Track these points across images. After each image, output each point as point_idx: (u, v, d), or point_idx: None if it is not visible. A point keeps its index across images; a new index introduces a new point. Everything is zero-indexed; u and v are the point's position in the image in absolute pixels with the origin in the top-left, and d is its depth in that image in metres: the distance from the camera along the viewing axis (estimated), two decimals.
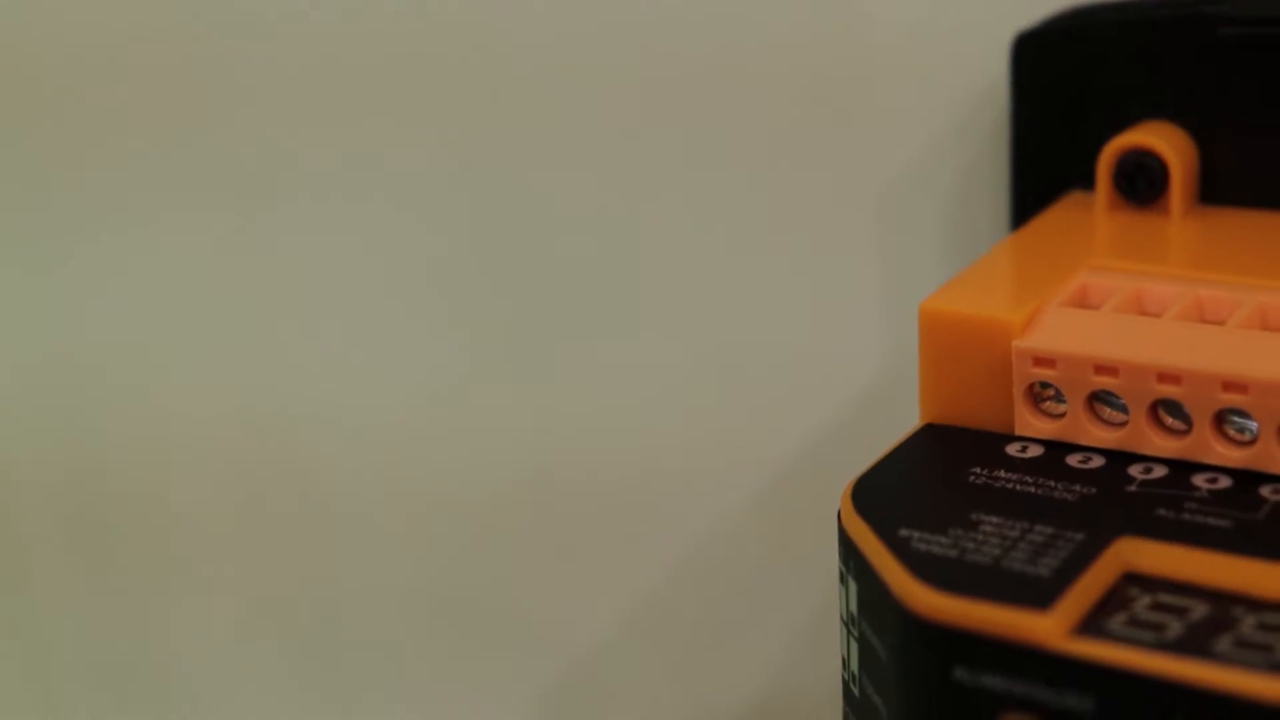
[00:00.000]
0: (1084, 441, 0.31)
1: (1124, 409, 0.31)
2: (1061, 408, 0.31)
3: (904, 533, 0.29)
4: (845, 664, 0.31)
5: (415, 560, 0.49)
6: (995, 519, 0.29)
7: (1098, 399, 0.31)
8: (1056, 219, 0.36)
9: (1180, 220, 0.35)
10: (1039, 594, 0.27)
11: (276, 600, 0.51)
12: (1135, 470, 0.30)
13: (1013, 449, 0.31)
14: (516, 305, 0.45)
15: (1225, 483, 0.30)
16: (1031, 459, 0.31)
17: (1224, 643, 0.26)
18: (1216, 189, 0.36)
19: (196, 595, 0.52)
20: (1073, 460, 0.31)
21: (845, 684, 0.31)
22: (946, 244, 0.41)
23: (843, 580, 0.30)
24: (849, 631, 0.30)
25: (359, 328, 0.47)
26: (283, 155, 0.46)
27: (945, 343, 0.32)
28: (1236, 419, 0.30)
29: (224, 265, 0.48)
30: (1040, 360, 0.31)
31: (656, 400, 0.45)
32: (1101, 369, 0.30)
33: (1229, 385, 0.30)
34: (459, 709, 0.50)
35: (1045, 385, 0.31)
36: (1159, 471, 0.30)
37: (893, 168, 0.40)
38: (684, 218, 0.43)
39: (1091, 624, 0.27)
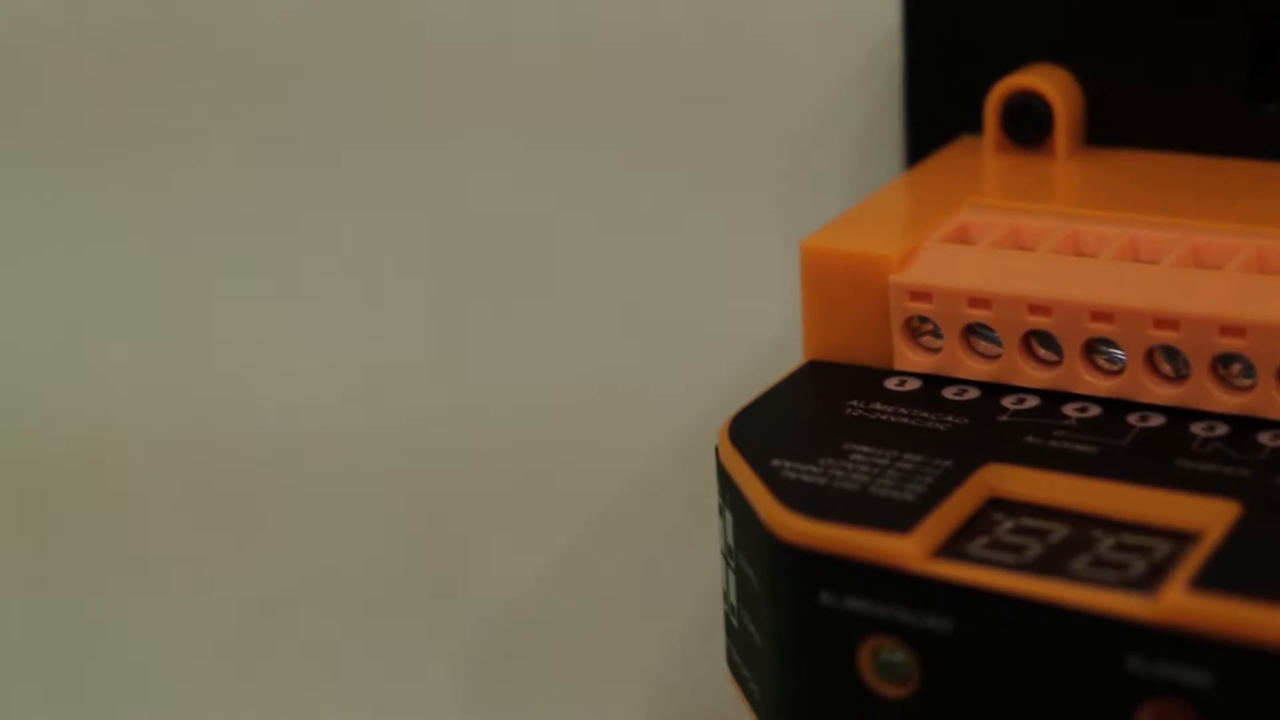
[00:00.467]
0: (961, 374, 0.31)
1: (998, 342, 0.31)
2: (939, 342, 0.32)
3: (775, 463, 0.29)
4: (725, 597, 0.31)
5: (346, 527, 0.50)
6: (866, 448, 0.30)
7: (973, 332, 0.31)
8: (945, 161, 0.36)
9: (1065, 161, 0.36)
10: (901, 518, 0.28)
11: (211, 567, 0.51)
12: (1008, 401, 0.31)
13: (891, 383, 0.32)
14: (436, 278, 0.46)
15: (1094, 411, 0.30)
16: (908, 392, 0.31)
17: (1080, 562, 0.27)
18: (1103, 131, 0.36)
19: (137, 561, 0.52)
20: (948, 393, 0.31)
21: (726, 616, 0.31)
22: (850, 193, 0.41)
23: (721, 514, 0.31)
24: (727, 564, 0.31)
25: (280, 305, 0.48)
26: (199, 139, 0.46)
27: (825, 280, 0.32)
28: (1106, 349, 0.30)
29: (148, 250, 0.48)
30: (916, 294, 0.31)
31: (572, 362, 0.46)
32: (975, 302, 0.31)
33: (1097, 315, 0.30)
34: (392, 668, 0.51)
35: (923, 320, 0.32)
36: (1031, 402, 0.31)
37: (793, 120, 0.41)
38: (588, 173, 0.43)
39: (952, 547, 0.27)
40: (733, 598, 0.31)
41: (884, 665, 0.28)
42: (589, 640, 0.48)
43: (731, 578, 0.31)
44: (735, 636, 0.31)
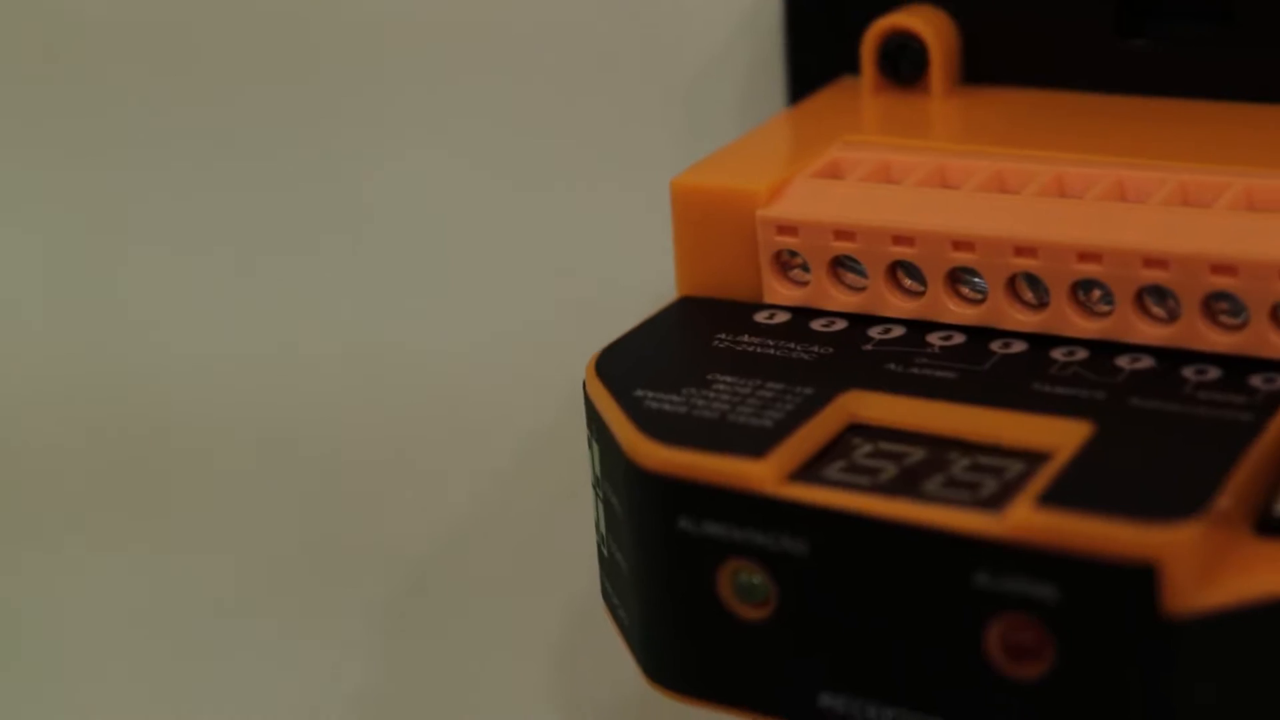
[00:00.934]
0: (829, 307, 0.32)
1: (865, 274, 0.31)
2: (807, 275, 0.32)
3: (639, 394, 0.30)
4: (596, 528, 0.31)
5: (253, 488, 0.50)
6: (729, 378, 0.30)
7: (841, 265, 0.32)
8: (822, 102, 0.36)
9: (941, 99, 0.36)
10: (757, 443, 0.28)
11: (124, 530, 0.51)
12: (875, 332, 0.31)
13: (760, 316, 0.32)
14: (343, 241, 0.46)
15: (958, 339, 0.31)
16: (777, 324, 0.32)
17: (934, 483, 0.27)
18: (979, 69, 0.36)
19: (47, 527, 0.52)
20: (816, 325, 0.31)
21: (598, 547, 0.32)
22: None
23: (590, 446, 0.31)
24: (597, 495, 0.31)
25: (163, 275, 0.48)
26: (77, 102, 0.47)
27: (696, 216, 0.32)
28: (970, 278, 0.31)
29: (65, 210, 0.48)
30: (783, 228, 0.31)
31: (467, 320, 0.46)
32: (841, 234, 0.31)
33: (959, 244, 0.30)
34: (310, 625, 0.51)
35: (791, 254, 0.32)
36: (897, 332, 0.31)
37: (679, 68, 0.41)
38: (480, 124, 0.43)
39: (808, 470, 0.28)
40: (602, 528, 0.31)
41: (743, 588, 0.28)
42: (500, 593, 0.48)
43: (600, 508, 0.31)
44: (606, 566, 0.31)
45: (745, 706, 0.29)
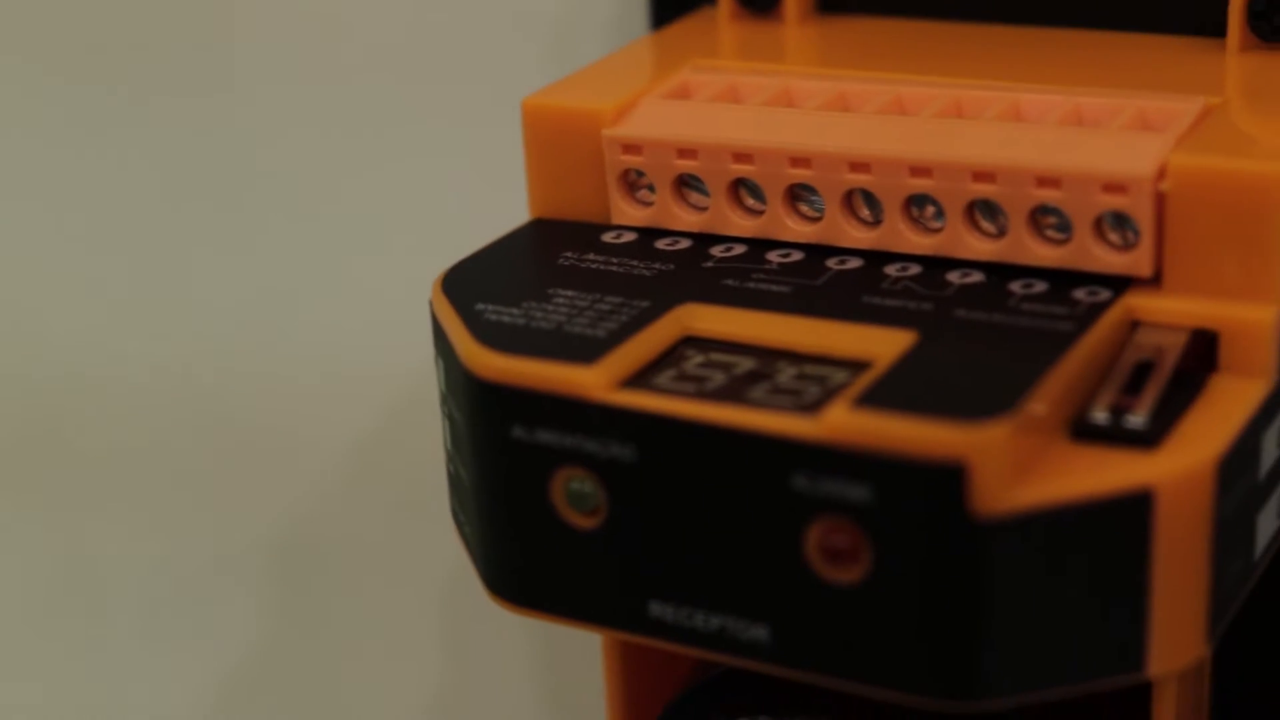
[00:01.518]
0: (674, 226, 0.32)
1: (708, 192, 0.32)
2: (654, 195, 0.32)
3: (480, 307, 0.30)
4: (444, 445, 0.32)
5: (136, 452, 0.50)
6: (570, 292, 0.30)
7: (685, 184, 0.32)
8: (681, 30, 0.37)
9: (796, 26, 0.36)
10: (589, 352, 0.28)
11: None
12: (717, 250, 0.31)
13: (608, 236, 0.32)
14: (205, 205, 0.46)
15: (797, 257, 0.31)
16: (623, 243, 0.32)
17: (759, 390, 0.28)
18: None
19: None
20: (662, 244, 0.32)
21: (446, 465, 0.32)
22: None
23: (436, 363, 0.31)
24: (443, 412, 0.31)
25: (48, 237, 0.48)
26: None
27: (545, 137, 0.33)
28: (809, 196, 0.31)
29: None
30: (628, 147, 0.32)
31: (352, 267, 0.46)
32: (683, 152, 0.31)
33: (796, 160, 0.31)
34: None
35: (639, 174, 0.32)
36: (739, 250, 0.31)
37: (546, 6, 0.41)
38: (347, 56, 0.44)
39: (638, 378, 0.28)
40: (449, 444, 0.31)
41: (574, 496, 0.28)
42: (385, 540, 0.49)
43: (446, 425, 0.31)
44: (453, 483, 0.32)
45: (580, 618, 0.29)
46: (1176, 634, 0.27)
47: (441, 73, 0.43)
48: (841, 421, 0.26)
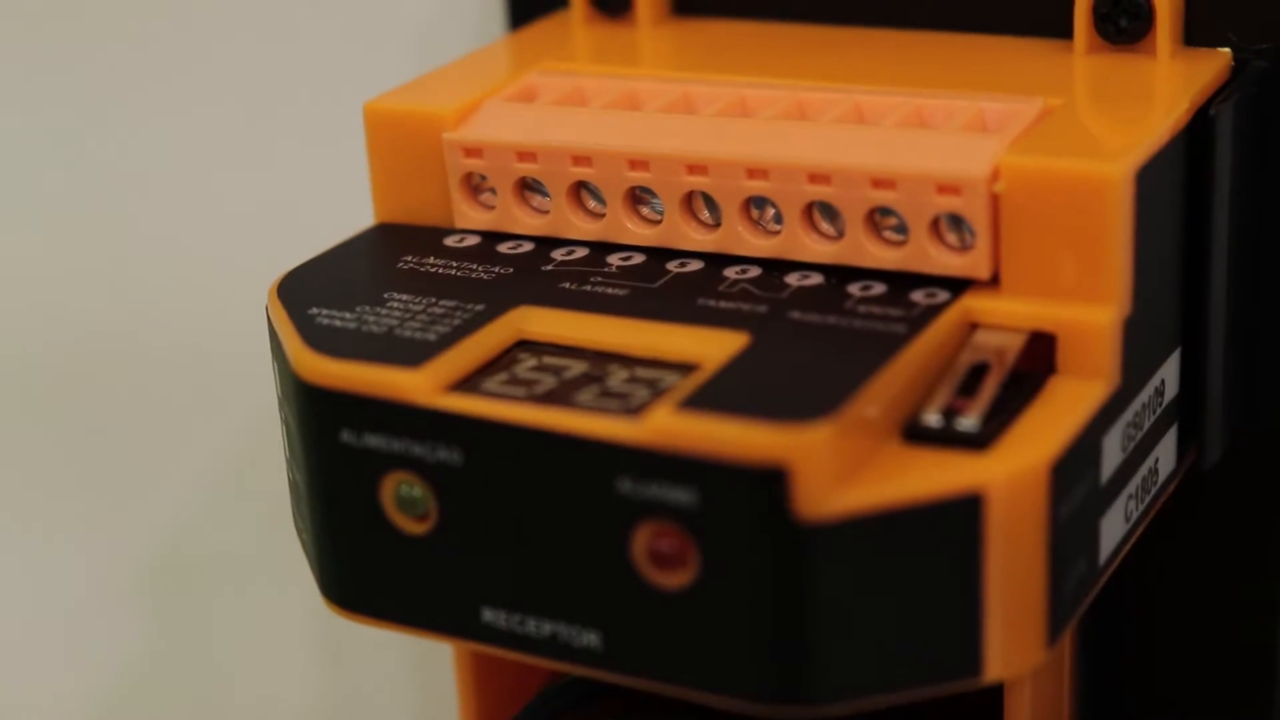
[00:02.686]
0: (516, 230, 0.32)
1: (549, 194, 0.31)
2: (496, 199, 0.32)
3: (313, 311, 0.29)
4: (284, 452, 0.31)
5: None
6: (405, 296, 0.30)
7: (527, 187, 0.32)
8: (533, 33, 0.36)
9: (649, 29, 0.36)
10: (417, 355, 0.28)
11: None
12: (558, 254, 0.31)
13: (450, 240, 0.32)
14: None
15: (637, 260, 0.31)
16: (464, 248, 0.32)
17: (588, 394, 0.27)
18: (689, 2, 0.36)
19: None
20: (503, 247, 0.31)
21: (286, 472, 0.31)
22: None
23: (273, 369, 0.31)
24: (281, 418, 0.31)
25: None
26: None
27: (388, 140, 0.32)
28: (649, 199, 0.31)
29: None
30: (469, 150, 0.31)
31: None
32: (524, 156, 0.31)
33: (635, 163, 0.30)
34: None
35: (482, 177, 0.32)
36: (580, 253, 0.31)
37: (411, 16, 0.41)
38: (217, 51, 0.43)
39: (466, 382, 0.28)
40: (286, 450, 0.31)
41: (404, 501, 0.28)
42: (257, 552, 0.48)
43: (283, 430, 0.31)
44: (292, 489, 0.31)
45: (414, 624, 0.29)
46: (1014, 638, 0.27)
47: (302, 75, 0.43)
48: (664, 424, 0.26)
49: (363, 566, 0.29)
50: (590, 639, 0.27)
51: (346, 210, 0.43)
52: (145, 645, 0.50)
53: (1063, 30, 0.33)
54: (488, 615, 0.28)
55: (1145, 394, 0.30)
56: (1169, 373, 0.31)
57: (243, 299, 0.45)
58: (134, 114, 0.44)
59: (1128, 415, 0.29)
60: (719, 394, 0.26)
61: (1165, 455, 0.31)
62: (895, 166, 0.28)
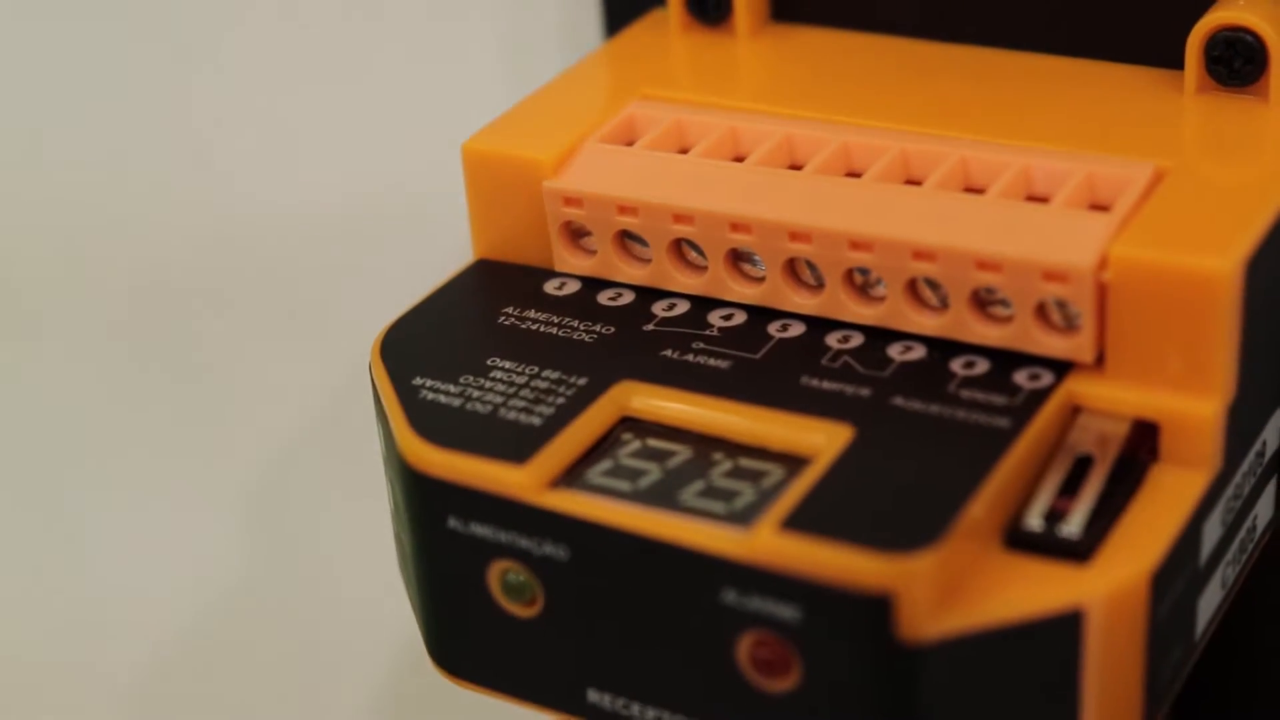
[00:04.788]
0: (617, 278, 0.32)
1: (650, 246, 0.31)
2: (597, 245, 0.32)
3: (417, 381, 0.30)
4: (389, 502, 0.32)
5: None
6: (509, 363, 0.30)
7: (629, 236, 0.31)
8: (629, 42, 0.36)
9: (748, 40, 0.35)
10: (521, 446, 0.28)
11: None
12: (659, 307, 0.31)
13: (551, 286, 0.32)
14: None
15: (739, 319, 0.31)
16: (566, 296, 0.32)
17: (691, 491, 0.27)
18: (789, 6, 0.36)
19: None
20: (604, 297, 0.31)
21: (391, 521, 0.32)
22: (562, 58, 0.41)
23: (377, 425, 0.31)
24: (386, 474, 0.31)
25: None
26: None
27: (487, 182, 0.32)
28: (751, 256, 0.31)
29: None
30: (570, 200, 0.31)
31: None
32: (624, 209, 0.31)
33: (737, 226, 0.30)
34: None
35: (584, 226, 0.32)
36: (682, 308, 0.31)
37: None
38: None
39: (571, 475, 0.28)
40: (391, 504, 0.31)
41: (510, 587, 0.28)
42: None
43: (389, 487, 0.31)
44: (398, 543, 0.31)
45: (520, 696, 0.29)
46: None
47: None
48: (769, 544, 0.26)
49: (469, 640, 0.29)
50: None
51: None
52: (247, 565, 0.51)
53: (1173, 59, 0.32)
54: (593, 696, 0.28)
55: (1247, 461, 0.30)
56: (1270, 431, 0.31)
57: (331, 224, 0.45)
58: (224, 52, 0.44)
59: (1229, 491, 0.29)
60: (821, 510, 0.26)
61: (1264, 509, 0.31)
62: (1001, 251, 0.28)
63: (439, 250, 0.42)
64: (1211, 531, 0.29)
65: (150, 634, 0.51)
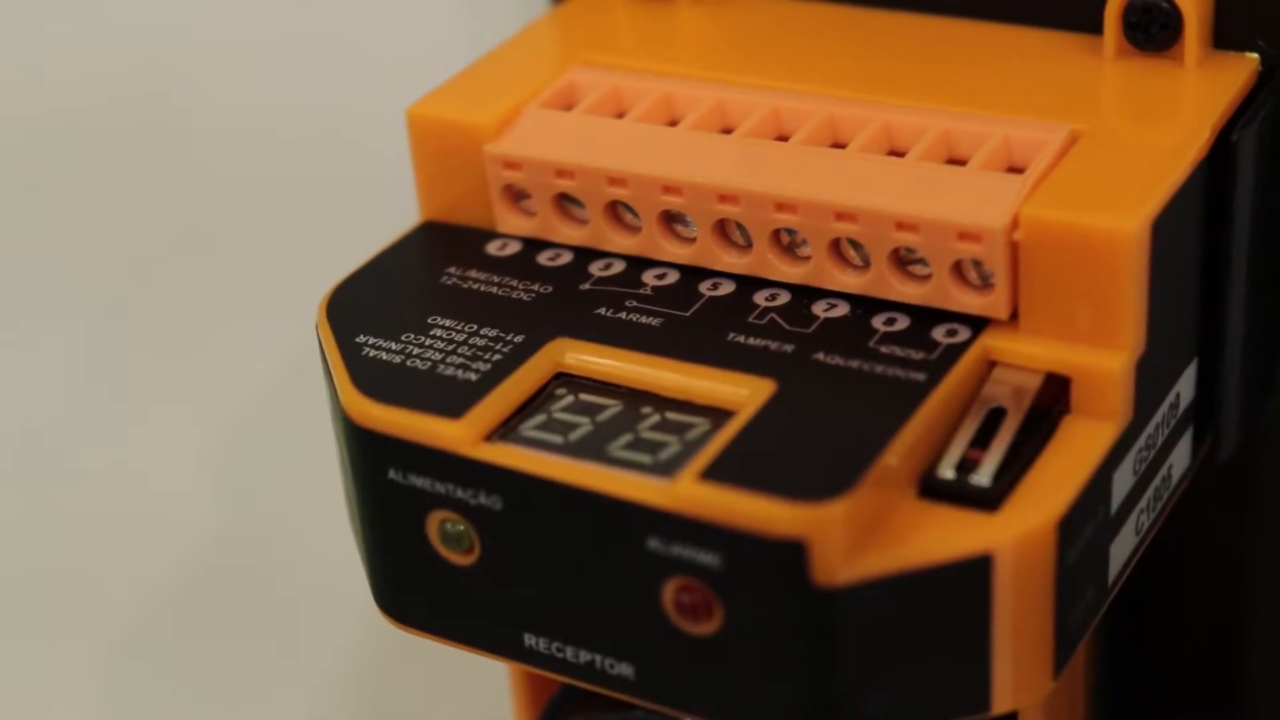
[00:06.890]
0: (556, 239, 0.33)
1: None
2: (537, 207, 0.33)
3: (360, 339, 0.31)
4: (338, 457, 0.33)
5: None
6: (449, 321, 0.31)
7: (567, 199, 0.33)
8: (574, 8, 0.37)
9: (689, 7, 0.36)
10: (458, 401, 0.29)
11: None
12: (596, 267, 0.32)
13: (493, 247, 0.33)
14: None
15: (672, 279, 0.32)
16: (507, 257, 0.33)
17: (620, 443, 0.29)
18: None
19: None
20: (543, 258, 0.33)
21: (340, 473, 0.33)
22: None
23: (325, 381, 0.32)
24: (333, 428, 0.32)
25: None
26: None
27: (432, 146, 0.33)
28: (684, 218, 0.32)
29: None
30: (510, 164, 0.32)
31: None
32: (562, 173, 0.32)
33: (669, 189, 0.31)
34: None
35: (524, 189, 0.33)
36: (618, 268, 0.32)
37: None
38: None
39: (506, 428, 0.29)
40: (339, 458, 0.32)
41: (448, 536, 0.29)
42: None
43: (336, 441, 0.32)
44: (346, 494, 0.33)
45: (460, 641, 0.30)
46: (1021, 674, 0.28)
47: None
48: (689, 494, 0.27)
49: (411, 587, 0.30)
50: (624, 670, 0.29)
51: None
52: (209, 520, 0.52)
53: (1093, 25, 0.33)
54: (529, 640, 0.30)
55: (1159, 414, 0.31)
56: (1184, 385, 0.32)
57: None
58: None
59: (1140, 441, 0.30)
60: (743, 460, 0.27)
61: (1179, 458, 0.32)
62: (918, 212, 0.29)
63: (394, 213, 0.43)
64: (1123, 480, 0.30)
65: (112, 591, 0.52)
